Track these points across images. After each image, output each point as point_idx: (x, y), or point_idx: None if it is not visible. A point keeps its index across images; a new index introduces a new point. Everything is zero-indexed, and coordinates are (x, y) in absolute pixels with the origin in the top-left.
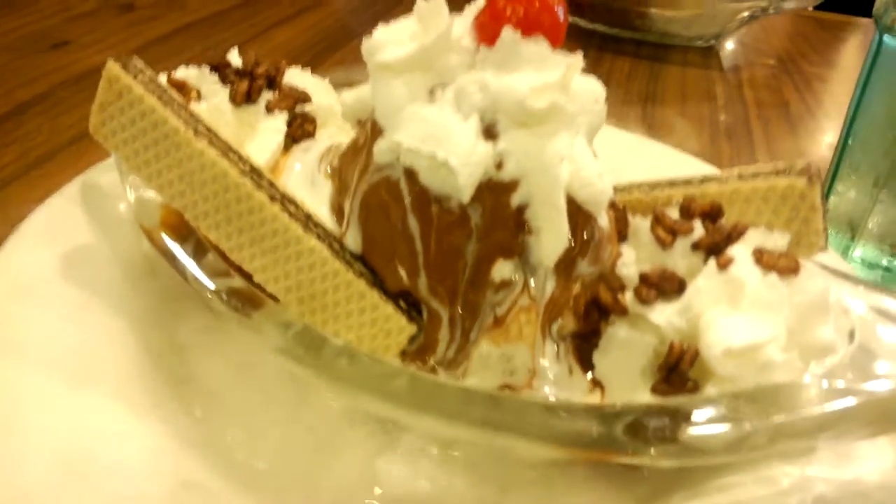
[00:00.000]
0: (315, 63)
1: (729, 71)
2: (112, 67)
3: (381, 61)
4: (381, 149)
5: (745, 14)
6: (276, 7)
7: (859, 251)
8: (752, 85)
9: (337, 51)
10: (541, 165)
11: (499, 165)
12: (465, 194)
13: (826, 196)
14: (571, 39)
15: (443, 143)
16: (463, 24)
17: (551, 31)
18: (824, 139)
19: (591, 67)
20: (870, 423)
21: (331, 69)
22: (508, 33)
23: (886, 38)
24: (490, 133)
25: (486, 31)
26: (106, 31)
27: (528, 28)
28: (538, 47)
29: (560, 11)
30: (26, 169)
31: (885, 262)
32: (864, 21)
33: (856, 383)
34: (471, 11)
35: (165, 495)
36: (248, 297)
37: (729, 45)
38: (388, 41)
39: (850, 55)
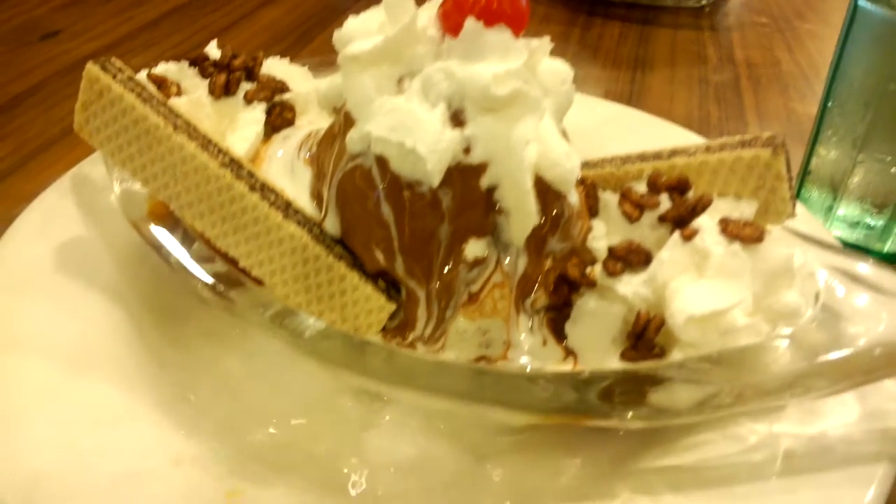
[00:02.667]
0: (302, 42)
1: (720, 31)
2: (91, 69)
3: (350, 54)
4: (352, 138)
5: None
6: None
7: (842, 210)
8: (744, 45)
9: (325, 29)
10: (507, 148)
11: (467, 150)
12: (434, 179)
13: (808, 157)
14: (560, 6)
15: (411, 131)
16: (428, 14)
17: (514, 20)
18: (815, 99)
19: (581, 33)
20: (834, 382)
21: (318, 48)
22: (471, 24)
23: (861, 1)
24: (457, 119)
25: (451, 22)
26: (95, 19)
27: (490, 18)
28: (501, 36)
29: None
30: (22, 161)
31: (867, 221)
32: None
33: (821, 344)
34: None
35: (159, 472)
36: (232, 281)
37: (721, 5)
38: (358, 32)
39: (845, 9)
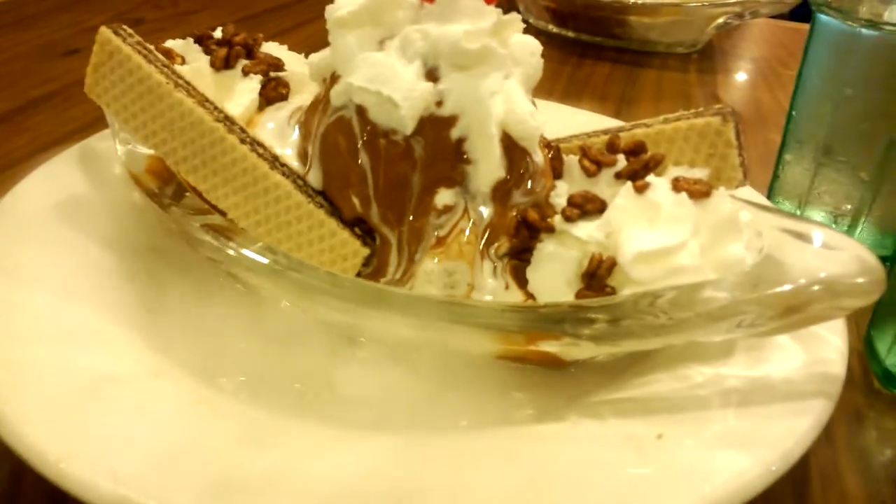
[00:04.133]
0: None
1: (706, 74)
2: (104, 31)
3: (336, 17)
4: (336, 91)
5: (722, 20)
6: (277, 20)
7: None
8: (727, 87)
9: None
10: (475, 100)
11: (439, 103)
12: (408, 126)
13: (776, 166)
14: (555, 48)
15: (388, 81)
16: None
17: None
18: None
19: (572, 72)
20: (772, 312)
21: None
22: None
23: (819, 15)
24: (432, 76)
25: None
26: None
27: None
28: (473, 2)
29: None
30: (35, 152)
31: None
32: None
33: (762, 282)
34: None
35: (137, 379)
36: (220, 230)
37: (709, 53)
38: (345, 2)
39: None
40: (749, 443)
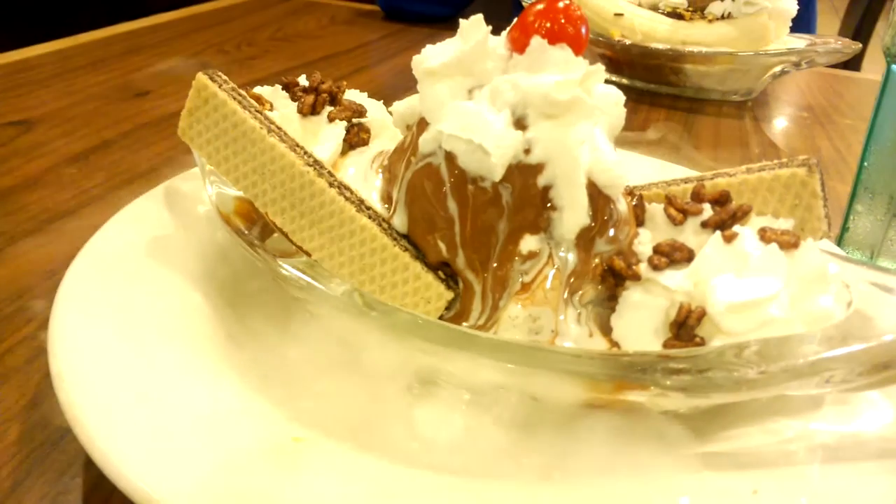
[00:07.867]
0: None
1: (763, 122)
2: (201, 78)
3: (427, 67)
4: (426, 139)
5: (778, 69)
6: (334, 66)
7: None
8: (786, 135)
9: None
10: (564, 148)
11: (527, 151)
12: (497, 173)
13: (846, 216)
14: None
15: (479, 129)
16: (499, 40)
17: (574, 41)
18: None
19: (628, 118)
20: (861, 369)
21: None
22: (537, 41)
23: (893, 66)
24: (520, 124)
25: (518, 42)
26: (182, 83)
27: (553, 38)
28: (562, 53)
29: (583, 28)
30: (111, 189)
31: None
32: None
33: (851, 337)
34: (505, 32)
35: (232, 415)
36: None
37: (763, 100)
38: (434, 54)
39: None
40: (849, 501)
